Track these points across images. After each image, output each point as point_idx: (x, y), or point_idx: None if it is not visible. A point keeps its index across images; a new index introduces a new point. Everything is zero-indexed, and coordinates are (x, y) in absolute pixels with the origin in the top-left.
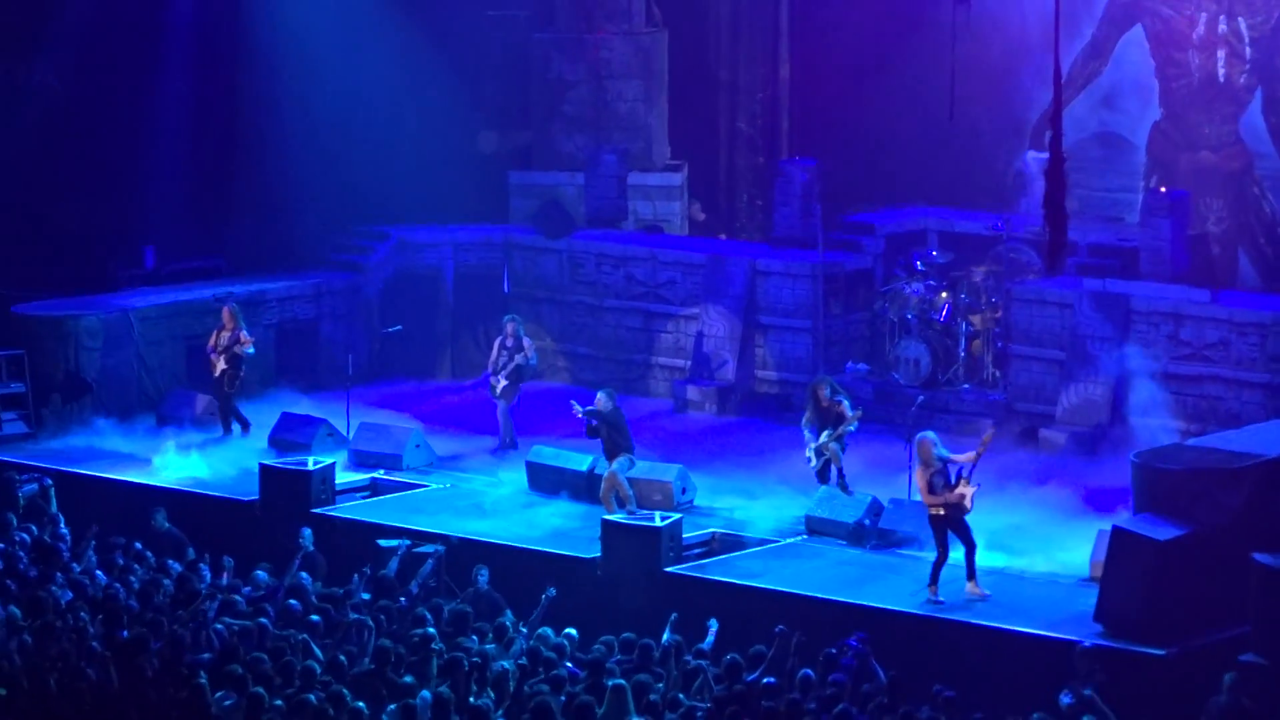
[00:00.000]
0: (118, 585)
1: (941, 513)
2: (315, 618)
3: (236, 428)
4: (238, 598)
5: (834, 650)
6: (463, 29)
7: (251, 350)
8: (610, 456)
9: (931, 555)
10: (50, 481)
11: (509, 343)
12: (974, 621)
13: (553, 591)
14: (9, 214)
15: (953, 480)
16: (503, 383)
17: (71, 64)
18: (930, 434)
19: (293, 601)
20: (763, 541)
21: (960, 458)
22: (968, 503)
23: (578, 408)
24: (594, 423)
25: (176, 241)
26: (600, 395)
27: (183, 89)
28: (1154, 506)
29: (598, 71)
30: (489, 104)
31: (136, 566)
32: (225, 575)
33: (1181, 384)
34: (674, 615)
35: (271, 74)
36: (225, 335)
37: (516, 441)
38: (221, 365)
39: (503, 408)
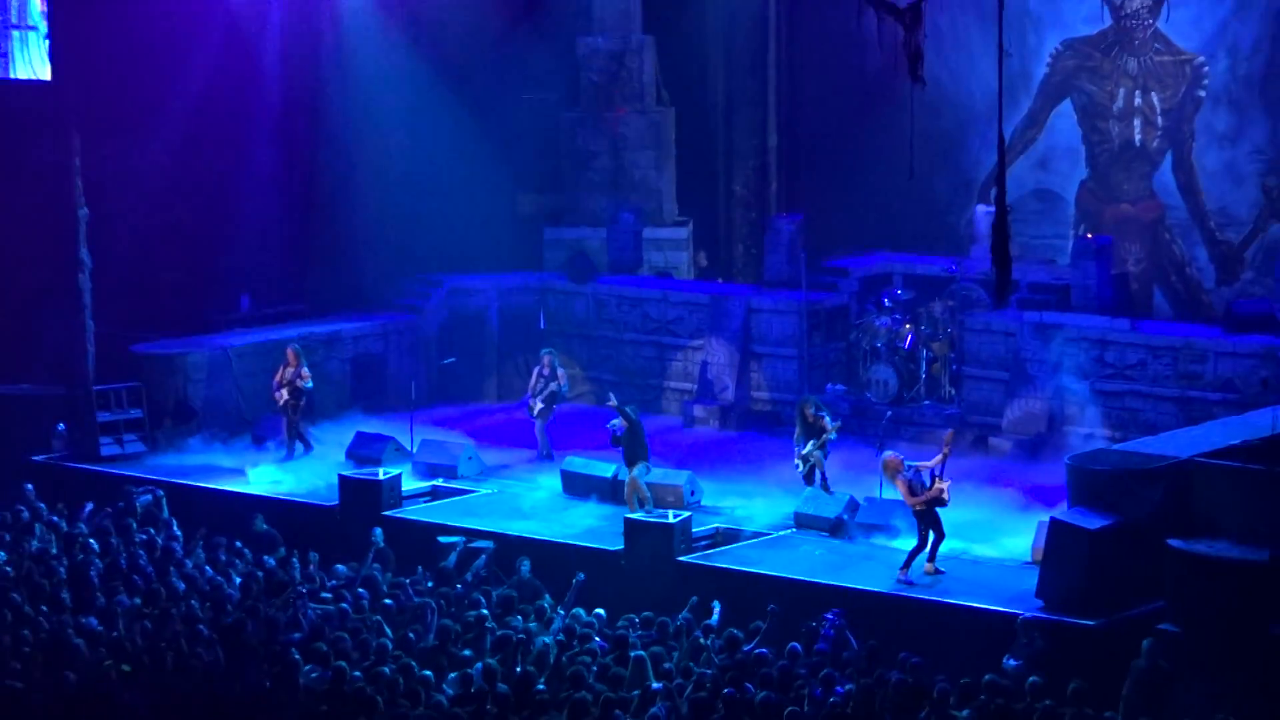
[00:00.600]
0: (221, 578)
1: (924, 508)
2: (388, 602)
3: (300, 447)
4: (327, 588)
5: (814, 624)
6: (504, 109)
7: (310, 384)
8: (630, 464)
9: (904, 544)
10: (162, 492)
11: (545, 372)
12: (936, 599)
13: (582, 576)
14: (129, 270)
15: (927, 482)
16: (539, 405)
17: (180, 143)
18: (890, 452)
19: (363, 590)
20: (758, 534)
21: (929, 463)
22: (945, 496)
23: (614, 401)
24: (620, 433)
25: (267, 289)
26: (627, 409)
27: (272, 162)
28: (1085, 501)
29: (617, 144)
30: (526, 171)
31: (237, 562)
32: (312, 568)
33: (1107, 398)
34: (694, 599)
35: (345, 149)
36: (289, 371)
37: (553, 454)
38: (285, 396)
39: (540, 425)
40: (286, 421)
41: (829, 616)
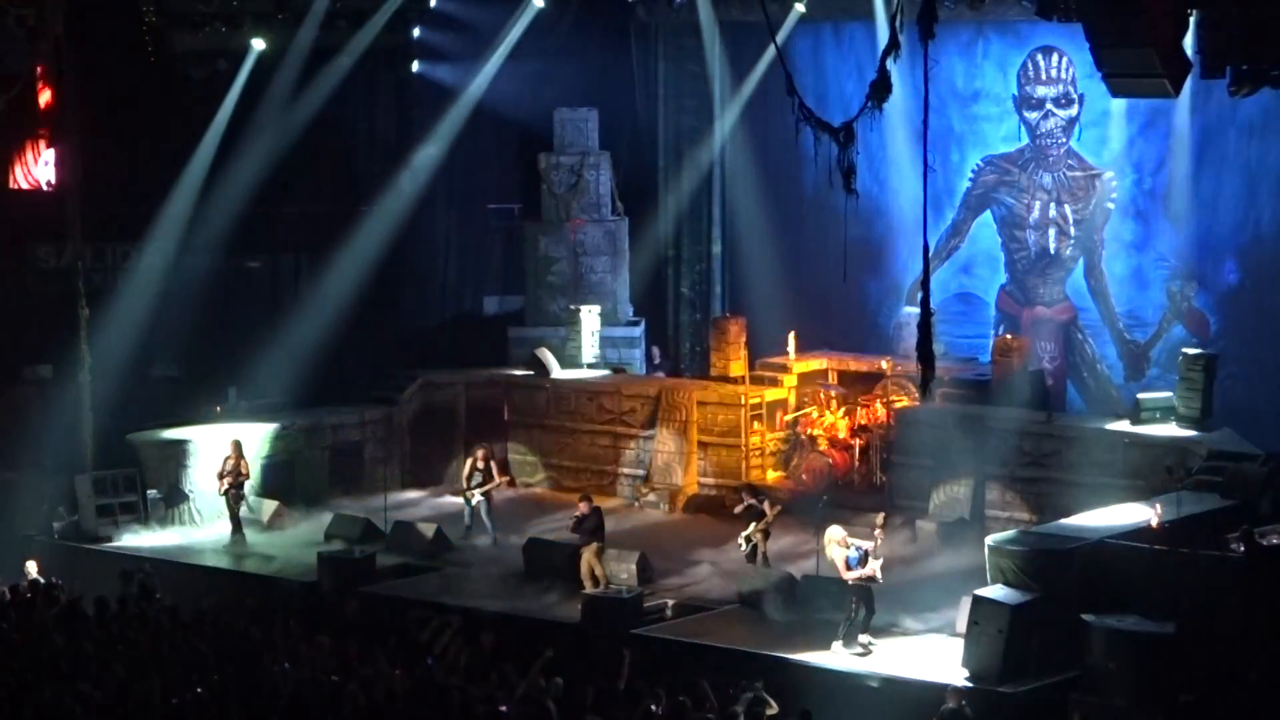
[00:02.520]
0: (207, 647)
1: (856, 584)
2: (367, 669)
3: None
4: (307, 656)
5: (731, 689)
6: (472, 220)
7: (250, 477)
8: (586, 545)
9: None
10: (152, 569)
11: (480, 465)
12: (868, 670)
13: (550, 653)
14: (127, 364)
15: (863, 560)
16: (477, 496)
17: (174, 248)
18: (836, 529)
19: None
20: (705, 609)
21: (865, 544)
22: (878, 576)
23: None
24: (581, 517)
25: (253, 382)
26: (582, 503)
27: (260, 266)
28: (1006, 579)
29: (575, 250)
30: (493, 276)
31: (222, 633)
32: (291, 638)
33: (1024, 484)
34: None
35: (327, 253)
36: (230, 463)
37: (497, 539)
38: (226, 485)
39: (483, 511)
40: (230, 507)
41: (743, 683)
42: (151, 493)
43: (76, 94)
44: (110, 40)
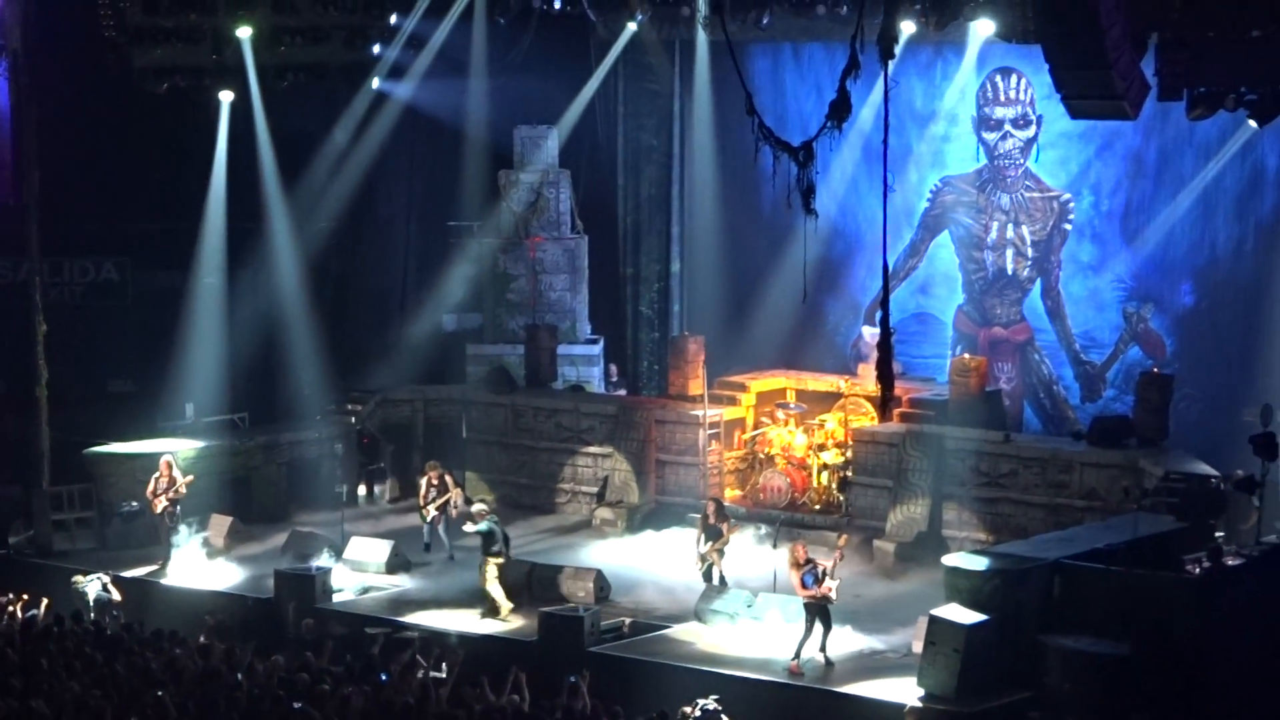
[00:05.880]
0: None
1: (812, 602)
2: (325, 686)
3: (174, 551)
4: (262, 675)
5: (687, 709)
6: (431, 237)
7: (185, 490)
8: (486, 559)
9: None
10: (108, 580)
11: (435, 482)
12: (824, 688)
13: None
14: (85, 380)
15: (820, 578)
16: (433, 512)
17: (133, 264)
18: (796, 547)
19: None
20: (662, 626)
21: (824, 563)
22: (833, 595)
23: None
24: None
25: (210, 398)
26: (479, 508)
27: (220, 286)
28: (961, 598)
29: (534, 268)
30: (451, 293)
31: (178, 650)
32: (249, 656)
33: (982, 504)
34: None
35: (286, 271)
36: (164, 481)
37: (454, 554)
38: (163, 504)
39: (441, 528)
40: (163, 527)
41: (700, 701)
42: (133, 505)
43: (35, 109)
44: (70, 55)
